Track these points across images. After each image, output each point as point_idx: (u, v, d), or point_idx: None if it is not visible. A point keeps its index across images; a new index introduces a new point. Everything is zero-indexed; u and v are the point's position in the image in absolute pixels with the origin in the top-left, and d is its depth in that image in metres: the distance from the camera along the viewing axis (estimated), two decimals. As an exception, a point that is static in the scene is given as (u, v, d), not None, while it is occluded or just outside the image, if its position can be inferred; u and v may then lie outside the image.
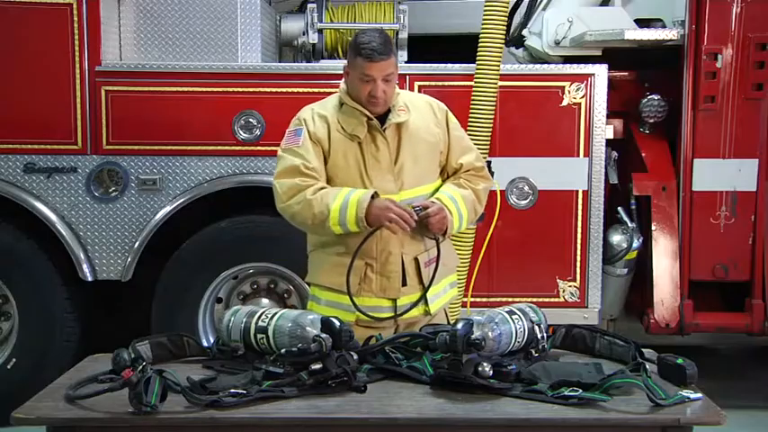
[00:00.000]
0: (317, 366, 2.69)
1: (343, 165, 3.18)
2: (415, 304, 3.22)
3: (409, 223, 3.04)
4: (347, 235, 3.13)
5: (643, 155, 4.96)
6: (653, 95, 4.92)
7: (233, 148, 4.70)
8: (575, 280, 4.77)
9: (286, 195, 3.15)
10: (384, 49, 3.09)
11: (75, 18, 4.61)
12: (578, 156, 4.71)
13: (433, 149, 3.26)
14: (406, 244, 3.21)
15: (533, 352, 2.96)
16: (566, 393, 2.58)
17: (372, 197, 3.05)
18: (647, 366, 2.73)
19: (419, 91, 4.66)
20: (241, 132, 4.68)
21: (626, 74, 5.06)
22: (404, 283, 3.22)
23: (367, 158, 3.17)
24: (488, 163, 4.50)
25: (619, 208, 4.85)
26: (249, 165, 4.71)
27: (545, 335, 3.01)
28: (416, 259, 3.23)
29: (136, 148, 4.70)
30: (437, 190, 3.26)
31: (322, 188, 3.13)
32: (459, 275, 4.45)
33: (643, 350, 2.91)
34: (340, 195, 3.08)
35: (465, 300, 4.62)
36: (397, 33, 5.07)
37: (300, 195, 3.11)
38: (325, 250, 3.25)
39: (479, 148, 4.41)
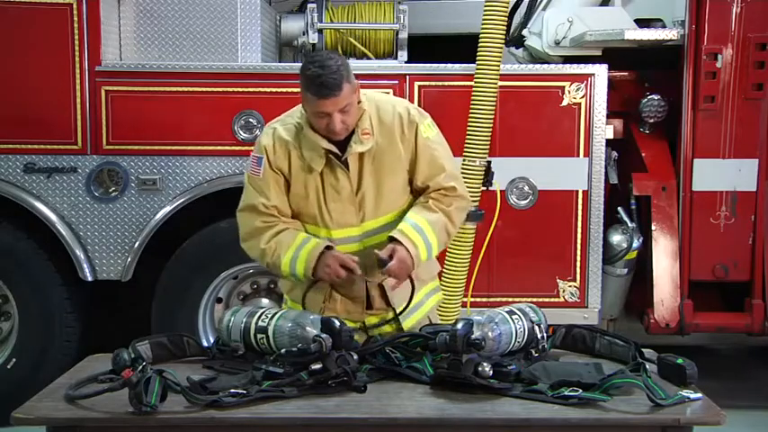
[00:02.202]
0: (317, 366, 2.69)
1: (303, 194, 3.05)
2: (386, 322, 3.15)
3: (340, 275, 2.96)
4: None
5: (643, 155, 4.96)
6: (653, 95, 4.92)
7: (233, 148, 4.70)
8: (575, 280, 4.77)
9: (247, 235, 3.10)
10: (335, 82, 2.83)
11: (75, 18, 4.61)
12: (578, 156, 4.71)
13: (399, 173, 3.08)
14: (368, 271, 3.08)
15: (533, 352, 2.96)
16: (566, 393, 2.58)
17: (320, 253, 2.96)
18: (647, 366, 2.73)
19: (419, 91, 4.67)
20: (241, 132, 4.68)
21: (626, 74, 5.06)
22: (369, 307, 3.14)
23: (327, 190, 3.03)
24: (488, 163, 4.50)
25: (619, 208, 4.85)
26: (249, 165, 4.70)
27: (545, 335, 3.01)
28: (381, 285, 3.13)
29: (136, 148, 4.70)
30: (404, 212, 3.10)
31: (278, 233, 3.03)
32: (452, 277, 4.47)
33: (643, 350, 2.91)
34: (291, 248, 3.00)
35: (465, 300, 4.62)
36: (397, 33, 5.08)
37: (256, 241, 3.05)
38: None
39: (479, 148, 4.42)
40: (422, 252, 3.01)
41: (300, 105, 3.03)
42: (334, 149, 2.99)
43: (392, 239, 3.00)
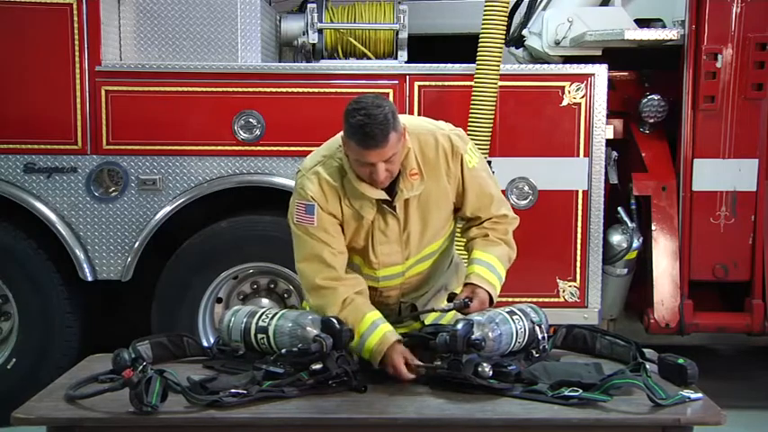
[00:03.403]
0: (317, 366, 2.70)
1: (353, 236, 2.99)
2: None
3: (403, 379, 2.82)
4: None
5: (643, 155, 4.96)
6: (653, 95, 4.92)
7: (233, 148, 4.69)
8: (575, 280, 4.77)
9: (309, 292, 3.00)
10: (381, 133, 2.69)
11: (75, 18, 4.61)
12: (578, 156, 4.71)
13: (444, 207, 3.04)
14: (405, 295, 3.13)
15: (534, 352, 2.97)
16: (566, 393, 2.58)
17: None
18: (648, 366, 2.73)
19: (419, 91, 4.66)
20: (241, 132, 4.68)
21: (626, 74, 5.06)
22: (398, 321, 3.11)
23: (375, 234, 2.98)
24: (488, 163, 4.50)
25: (619, 208, 4.84)
26: (249, 165, 4.71)
27: (546, 335, 3.01)
28: (413, 305, 3.15)
29: (136, 148, 4.70)
30: (447, 237, 3.12)
31: (342, 306, 2.90)
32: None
33: (643, 350, 2.91)
34: (357, 332, 2.86)
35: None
36: (397, 33, 5.07)
37: (320, 303, 2.95)
38: None
39: (479, 148, 4.42)
40: (498, 289, 3.06)
41: (338, 139, 2.90)
42: (386, 197, 2.91)
43: (470, 284, 3.01)
